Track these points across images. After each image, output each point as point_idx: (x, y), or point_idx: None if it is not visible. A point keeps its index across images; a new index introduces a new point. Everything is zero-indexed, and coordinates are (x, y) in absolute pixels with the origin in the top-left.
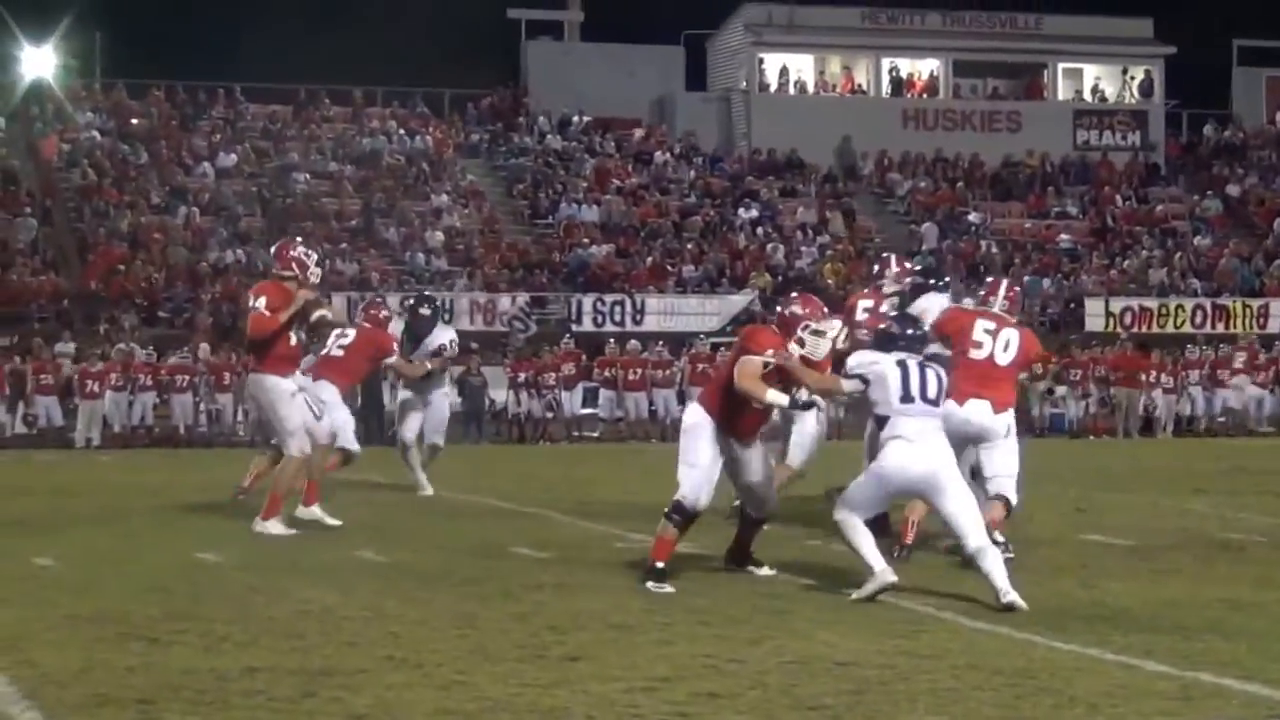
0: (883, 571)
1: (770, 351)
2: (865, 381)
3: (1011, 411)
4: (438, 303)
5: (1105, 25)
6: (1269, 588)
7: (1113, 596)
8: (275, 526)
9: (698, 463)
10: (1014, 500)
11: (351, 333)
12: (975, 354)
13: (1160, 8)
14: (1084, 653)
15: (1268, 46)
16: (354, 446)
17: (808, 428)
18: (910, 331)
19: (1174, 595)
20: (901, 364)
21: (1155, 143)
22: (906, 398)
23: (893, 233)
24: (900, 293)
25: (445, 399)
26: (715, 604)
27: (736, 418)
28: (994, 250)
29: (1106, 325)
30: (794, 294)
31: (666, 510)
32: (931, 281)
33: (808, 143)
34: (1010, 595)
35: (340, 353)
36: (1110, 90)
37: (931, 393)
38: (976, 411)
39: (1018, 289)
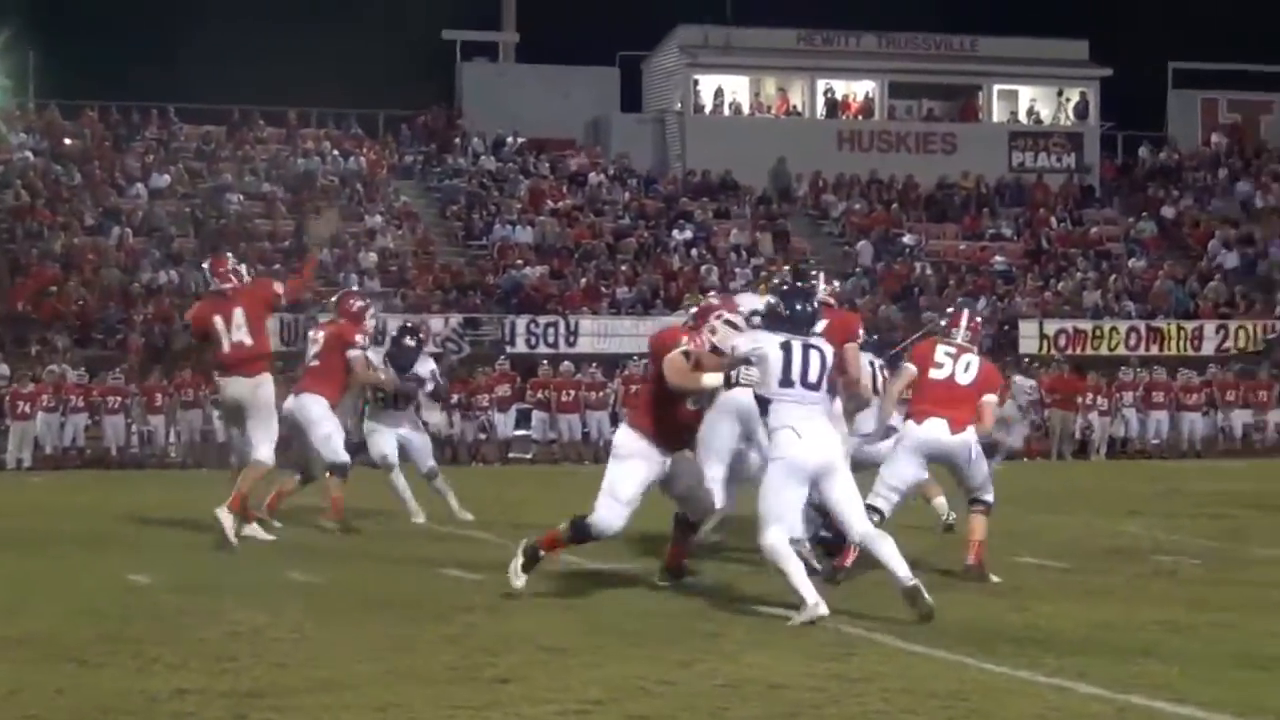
0: (814, 605)
1: (684, 340)
2: (749, 362)
3: (973, 431)
4: (421, 334)
5: (1041, 47)
6: (1203, 610)
7: (1046, 618)
8: (229, 521)
9: (620, 497)
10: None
11: (321, 334)
12: (935, 374)
13: (1096, 30)
14: (1016, 675)
15: (1203, 69)
16: (340, 458)
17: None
18: (799, 308)
19: (1108, 617)
20: (785, 345)
21: (1090, 165)
22: (786, 381)
23: (827, 254)
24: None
25: (419, 428)
26: (647, 626)
27: (670, 425)
28: (928, 272)
29: (1041, 347)
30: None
31: (573, 520)
32: (798, 284)
33: (742, 164)
34: (912, 580)
35: (316, 362)
36: (1045, 112)
37: (812, 376)
38: (934, 429)
39: (979, 320)
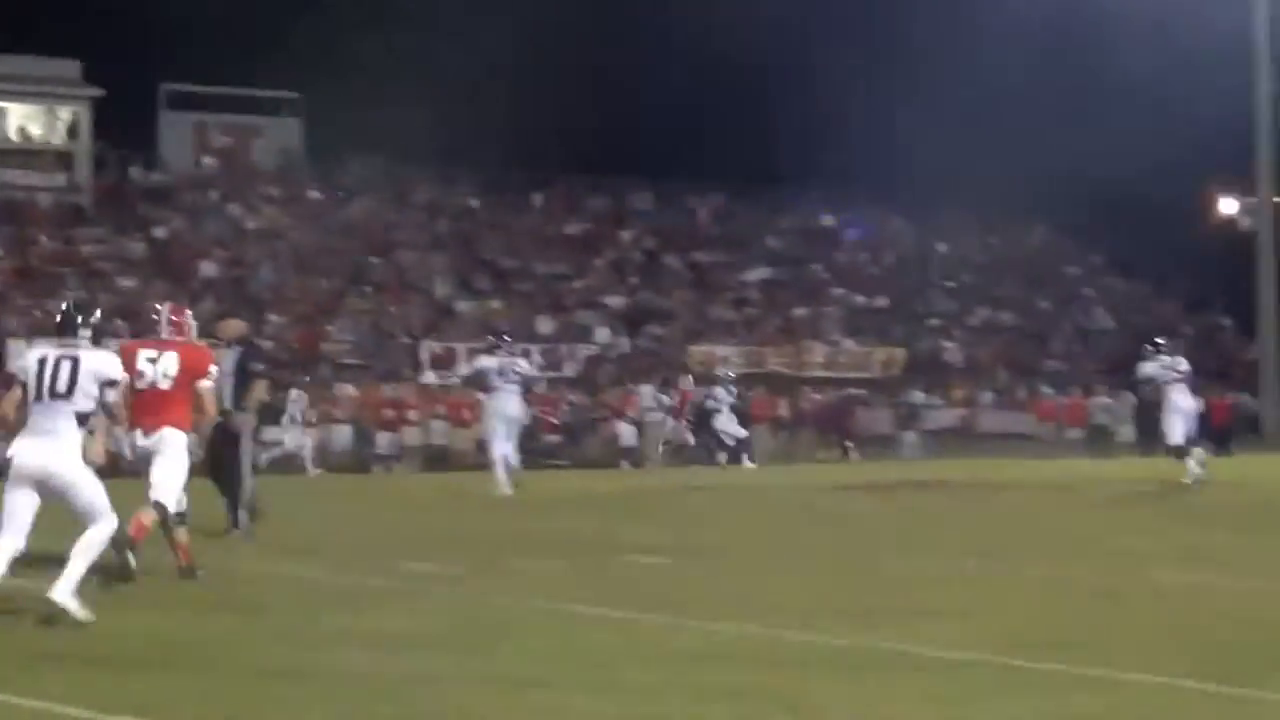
0: None
1: None
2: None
3: (177, 430)
4: None
5: (32, 65)
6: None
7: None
8: None
9: None
10: (172, 508)
11: None
12: (139, 384)
13: (89, 50)
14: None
15: (194, 91)
16: None
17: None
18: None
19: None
20: (42, 359)
21: (82, 184)
22: (38, 395)
23: None
24: None
25: None
26: None
27: None
28: None
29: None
30: None
31: None
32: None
33: None
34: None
35: None
36: (36, 131)
37: (61, 386)
38: (140, 439)
39: (187, 310)
